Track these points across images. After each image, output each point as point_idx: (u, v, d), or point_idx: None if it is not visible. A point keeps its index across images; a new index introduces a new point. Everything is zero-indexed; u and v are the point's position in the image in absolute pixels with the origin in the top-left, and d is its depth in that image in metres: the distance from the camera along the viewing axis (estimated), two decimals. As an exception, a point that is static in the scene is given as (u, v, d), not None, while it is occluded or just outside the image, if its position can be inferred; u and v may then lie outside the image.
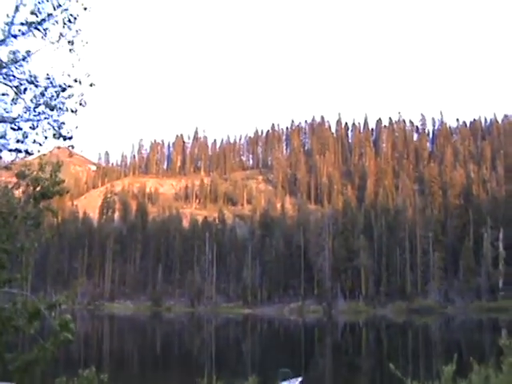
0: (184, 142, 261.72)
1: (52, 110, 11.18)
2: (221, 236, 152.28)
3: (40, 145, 11.59)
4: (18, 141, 11.31)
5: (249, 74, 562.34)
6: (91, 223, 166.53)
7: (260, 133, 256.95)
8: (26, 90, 11.01)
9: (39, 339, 10.73)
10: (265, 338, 75.58)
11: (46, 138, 11.53)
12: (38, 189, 11.46)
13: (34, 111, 11.16)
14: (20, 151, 11.45)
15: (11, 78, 10.93)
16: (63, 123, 11.28)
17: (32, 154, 11.66)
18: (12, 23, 10.35)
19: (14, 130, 11.46)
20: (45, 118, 11.43)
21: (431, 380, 10.26)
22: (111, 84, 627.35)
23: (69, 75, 10.85)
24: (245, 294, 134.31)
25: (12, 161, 11.66)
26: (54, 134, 11.25)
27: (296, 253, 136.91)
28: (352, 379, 36.87)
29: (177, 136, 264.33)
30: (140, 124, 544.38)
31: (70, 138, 11.35)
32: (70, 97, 10.91)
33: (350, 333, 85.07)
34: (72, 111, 11.39)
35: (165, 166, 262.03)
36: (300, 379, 26.83)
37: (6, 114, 11.25)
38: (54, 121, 11.43)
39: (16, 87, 10.92)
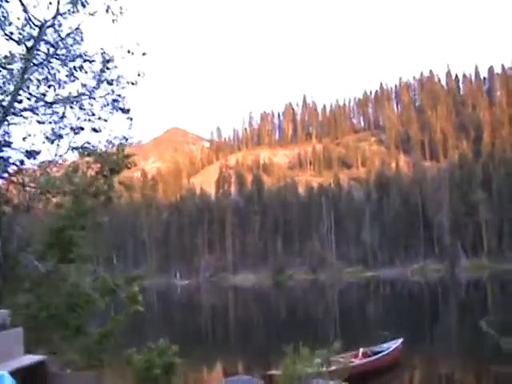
0: (293, 110, 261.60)
1: (110, 84, 11.18)
2: (337, 201, 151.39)
3: (105, 121, 11.63)
4: (78, 118, 11.43)
5: (353, 34, 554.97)
6: (209, 199, 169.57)
7: (369, 93, 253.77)
8: (81, 67, 11.05)
9: (112, 312, 10.95)
10: (387, 301, 74.57)
11: (111, 113, 11.58)
12: (107, 165, 11.52)
13: (94, 88, 11.22)
14: (82, 129, 11.54)
15: (64, 57, 10.99)
16: (120, 95, 11.30)
17: (99, 131, 11.70)
18: (59, 2, 10.33)
19: (80, 109, 11.57)
20: (107, 94, 11.46)
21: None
22: (216, 62, 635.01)
23: (121, 47, 10.77)
24: (365, 257, 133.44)
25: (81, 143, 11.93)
26: (114, 108, 11.27)
27: (414, 211, 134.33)
28: (473, 339, 35.16)
29: (286, 104, 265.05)
30: (248, 96, 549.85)
31: (128, 111, 11.36)
32: (115, 67, 10.91)
33: (474, 290, 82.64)
34: (132, 84, 11.37)
35: (276, 136, 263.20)
36: (400, 341, 26.30)
37: (65, 94, 11.34)
38: (117, 95, 11.46)
39: (72, 66, 10.99)
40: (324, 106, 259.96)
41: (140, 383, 10.00)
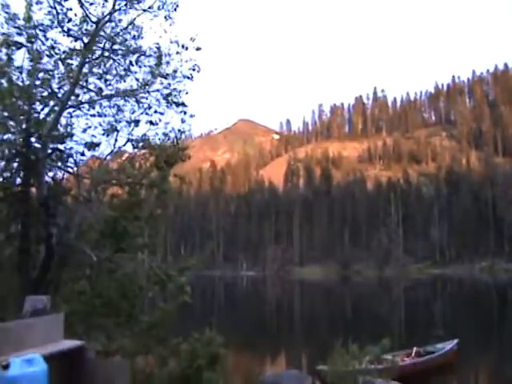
0: (364, 104, 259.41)
1: (165, 78, 11.40)
2: (406, 196, 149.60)
3: (161, 114, 11.86)
4: (133, 112, 11.68)
5: (425, 26, 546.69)
6: (277, 191, 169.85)
7: (441, 87, 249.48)
8: (137, 61, 11.29)
9: (159, 302, 11.16)
10: (454, 300, 73.05)
11: (166, 106, 11.81)
12: (162, 157, 11.74)
13: (149, 81, 11.46)
14: (139, 121, 11.79)
15: (121, 52, 11.25)
16: (175, 89, 11.50)
17: (155, 124, 11.93)
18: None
19: (137, 102, 11.83)
20: (164, 88, 11.68)
21: None
22: (287, 54, 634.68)
23: (176, 42, 10.97)
24: (433, 253, 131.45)
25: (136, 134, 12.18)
26: (168, 102, 11.49)
27: (484, 209, 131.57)
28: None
29: (356, 98, 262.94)
30: (318, 88, 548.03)
31: (183, 104, 11.56)
32: (168, 62, 11.11)
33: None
34: (188, 78, 11.57)
35: (346, 130, 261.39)
36: (456, 342, 25.68)
37: (122, 87, 11.61)
38: (172, 89, 11.67)
39: (129, 61, 11.25)
40: (395, 99, 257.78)
41: (183, 372, 10.17)
